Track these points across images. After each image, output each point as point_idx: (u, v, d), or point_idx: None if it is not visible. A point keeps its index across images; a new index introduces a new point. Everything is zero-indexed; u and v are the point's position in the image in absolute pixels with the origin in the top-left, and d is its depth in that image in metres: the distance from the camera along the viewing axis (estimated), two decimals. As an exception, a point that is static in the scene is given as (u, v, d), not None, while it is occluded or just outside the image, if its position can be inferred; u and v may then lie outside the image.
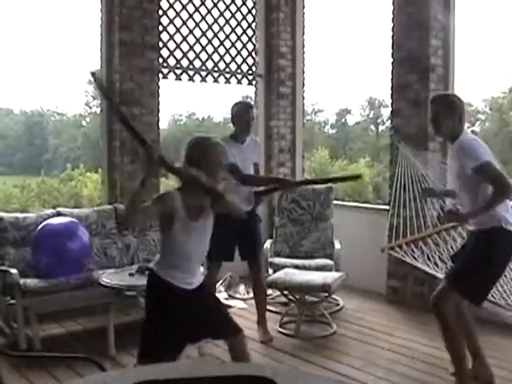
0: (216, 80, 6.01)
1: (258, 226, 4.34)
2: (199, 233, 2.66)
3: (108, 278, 3.92)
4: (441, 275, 3.69)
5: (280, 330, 4.41)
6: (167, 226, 2.57)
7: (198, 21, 5.79)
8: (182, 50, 5.69)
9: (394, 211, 4.69)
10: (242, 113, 4.20)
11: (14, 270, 4.02)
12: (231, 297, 5.32)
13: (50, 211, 4.70)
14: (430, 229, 4.31)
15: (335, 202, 5.53)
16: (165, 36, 5.55)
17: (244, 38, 6.17)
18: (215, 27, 5.91)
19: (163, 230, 2.64)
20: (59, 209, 4.77)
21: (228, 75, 6.08)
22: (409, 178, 4.48)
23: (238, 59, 6.13)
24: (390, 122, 5.27)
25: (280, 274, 4.46)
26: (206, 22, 5.84)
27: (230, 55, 6.06)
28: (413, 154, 4.60)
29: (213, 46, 5.92)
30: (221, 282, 5.37)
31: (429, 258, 3.89)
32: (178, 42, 5.66)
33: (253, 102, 6.46)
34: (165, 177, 5.61)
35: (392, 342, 4.18)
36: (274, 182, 4.43)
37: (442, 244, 4.01)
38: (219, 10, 5.93)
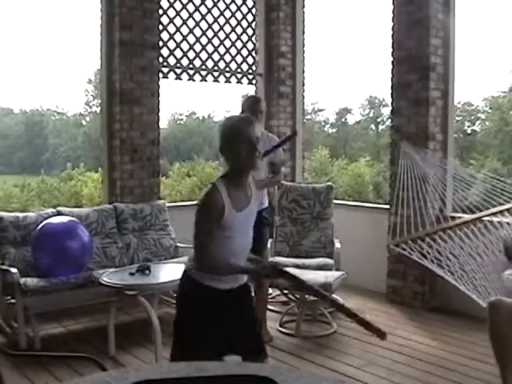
0: (216, 79, 6.01)
1: (264, 227, 4.31)
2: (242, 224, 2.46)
3: (108, 277, 3.91)
4: (448, 276, 3.60)
5: (280, 329, 4.41)
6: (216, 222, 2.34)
7: (198, 20, 5.79)
8: (182, 49, 5.69)
9: (394, 210, 4.69)
10: (249, 105, 4.21)
11: (14, 270, 4.02)
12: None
13: (50, 210, 4.70)
14: (433, 226, 4.27)
15: (335, 201, 5.53)
16: (165, 35, 5.55)
17: (244, 38, 6.17)
18: (215, 26, 5.91)
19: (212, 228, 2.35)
20: (59, 208, 4.77)
21: (228, 74, 6.08)
22: (410, 178, 4.47)
23: (238, 58, 6.13)
24: (390, 121, 5.27)
25: (280, 274, 4.46)
26: (206, 21, 5.84)
27: (230, 54, 6.06)
28: (415, 153, 4.59)
29: (213, 45, 5.91)
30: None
31: (440, 254, 3.77)
32: (178, 41, 5.66)
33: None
34: (164, 176, 5.62)
35: (392, 341, 4.17)
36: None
37: (450, 241, 3.90)
38: (219, 10, 5.93)
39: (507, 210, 3.84)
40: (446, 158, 4.99)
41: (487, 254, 3.67)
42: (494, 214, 3.84)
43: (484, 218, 3.88)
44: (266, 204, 4.34)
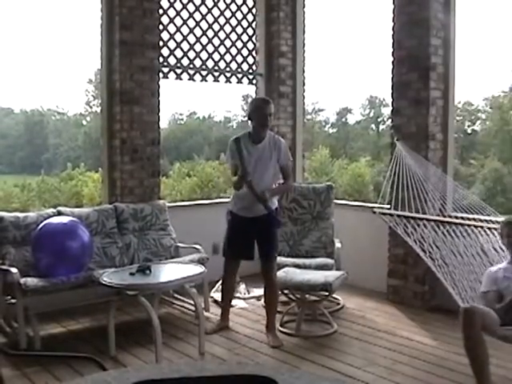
0: (216, 79, 6.00)
1: (274, 229, 4.30)
2: None
3: (109, 277, 3.91)
4: (428, 260, 3.68)
5: (280, 329, 4.40)
6: None
7: (198, 20, 5.78)
8: (182, 49, 5.69)
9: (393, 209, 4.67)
10: (260, 106, 4.13)
11: (14, 270, 4.02)
12: (232, 296, 5.31)
13: (50, 210, 4.70)
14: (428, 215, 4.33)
15: (335, 201, 5.53)
16: (165, 35, 5.55)
17: (244, 37, 6.17)
18: (216, 26, 5.91)
19: None
20: (60, 208, 4.77)
21: (228, 74, 6.08)
22: (405, 176, 4.47)
23: (239, 58, 6.13)
24: (390, 120, 5.27)
25: (280, 273, 4.46)
26: (206, 21, 5.84)
27: (231, 54, 6.05)
28: (409, 154, 4.58)
29: (213, 45, 5.91)
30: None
31: (423, 239, 3.86)
32: (179, 41, 5.66)
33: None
34: (164, 176, 5.62)
35: (393, 340, 4.18)
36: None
37: (433, 233, 3.98)
38: (219, 9, 5.93)
39: (481, 225, 3.97)
40: (445, 159, 5.00)
41: (467, 255, 3.74)
42: (474, 225, 3.96)
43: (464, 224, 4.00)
44: (276, 204, 4.33)
